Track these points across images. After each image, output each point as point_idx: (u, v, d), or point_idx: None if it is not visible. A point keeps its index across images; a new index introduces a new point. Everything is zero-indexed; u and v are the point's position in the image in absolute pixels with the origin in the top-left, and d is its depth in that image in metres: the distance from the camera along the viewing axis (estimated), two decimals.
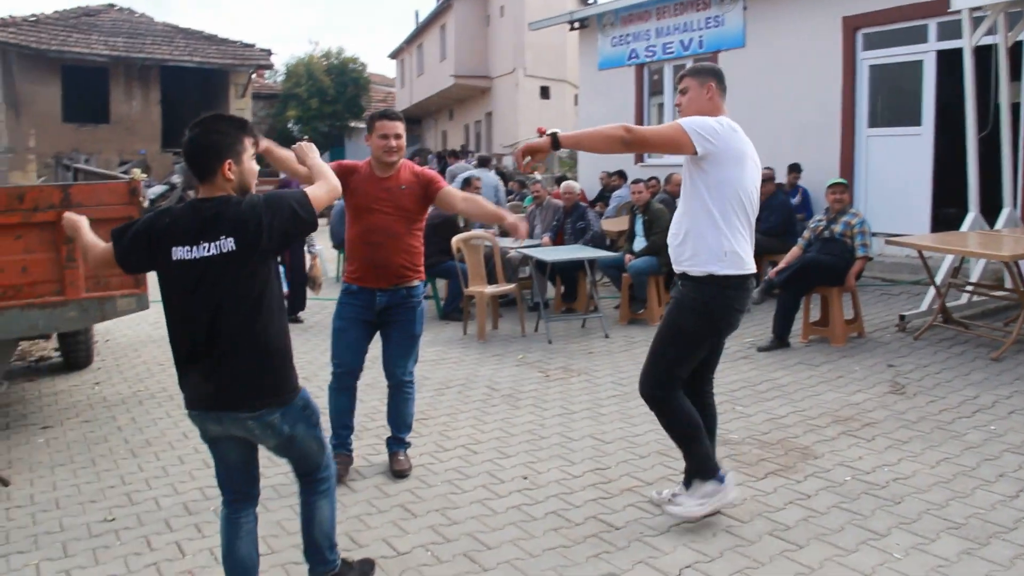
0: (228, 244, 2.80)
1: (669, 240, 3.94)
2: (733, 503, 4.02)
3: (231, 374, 2.88)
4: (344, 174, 4.28)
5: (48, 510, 4.40)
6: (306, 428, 3.08)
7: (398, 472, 4.70)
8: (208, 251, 2.80)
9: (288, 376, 3.01)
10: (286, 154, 4.09)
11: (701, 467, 3.91)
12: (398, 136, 4.48)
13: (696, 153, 3.61)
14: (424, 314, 4.74)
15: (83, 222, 3.30)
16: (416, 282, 4.65)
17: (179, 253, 2.82)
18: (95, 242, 3.23)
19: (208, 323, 2.84)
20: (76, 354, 7.42)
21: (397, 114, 4.61)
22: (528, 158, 3.68)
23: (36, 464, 5.09)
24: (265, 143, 3.72)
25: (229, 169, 2.87)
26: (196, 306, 2.85)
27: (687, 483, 3.99)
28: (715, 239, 3.67)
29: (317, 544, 3.26)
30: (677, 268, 3.87)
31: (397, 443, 4.84)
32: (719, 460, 4.05)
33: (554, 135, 3.64)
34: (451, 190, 4.73)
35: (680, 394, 3.87)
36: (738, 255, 3.70)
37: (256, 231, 2.82)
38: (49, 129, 24.03)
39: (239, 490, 3.16)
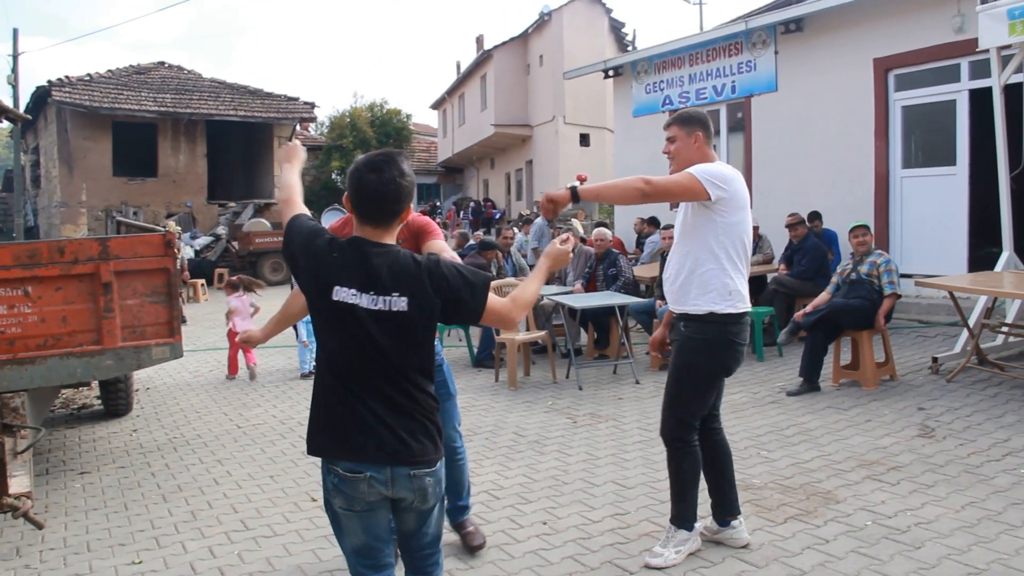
0: (400, 303, 2.58)
1: (665, 282, 4.04)
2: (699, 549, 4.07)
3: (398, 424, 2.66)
4: None
5: (79, 552, 4.52)
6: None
7: (477, 547, 4.30)
8: (376, 305, 2.58)
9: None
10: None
11: (687, 514, 4.03)
12: None
13: (710, 198, 3.72)
14: (450, 371, 4.36)
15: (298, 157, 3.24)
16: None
17: (340, 294, 2.59)
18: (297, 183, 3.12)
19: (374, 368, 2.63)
20: (116, 402, 7.60)
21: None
22: (552, 205, 3.72)
23: (71, 508, 5.23)
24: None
25: (407, 213, 2.76)
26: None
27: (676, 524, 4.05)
28: (720, 279, 3.80)
29: None
30: (677, 309, 3.94)
31: (461, 511, 4.41)
32: (740, 504, 4.10)
33: (573, 188, 3.71)
34: (439, 243, 3.75)
35: (696, 439, 3.98)
36: (741, 294, 3.85)
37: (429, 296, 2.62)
38: (100, 183, 24.85)
39: None
